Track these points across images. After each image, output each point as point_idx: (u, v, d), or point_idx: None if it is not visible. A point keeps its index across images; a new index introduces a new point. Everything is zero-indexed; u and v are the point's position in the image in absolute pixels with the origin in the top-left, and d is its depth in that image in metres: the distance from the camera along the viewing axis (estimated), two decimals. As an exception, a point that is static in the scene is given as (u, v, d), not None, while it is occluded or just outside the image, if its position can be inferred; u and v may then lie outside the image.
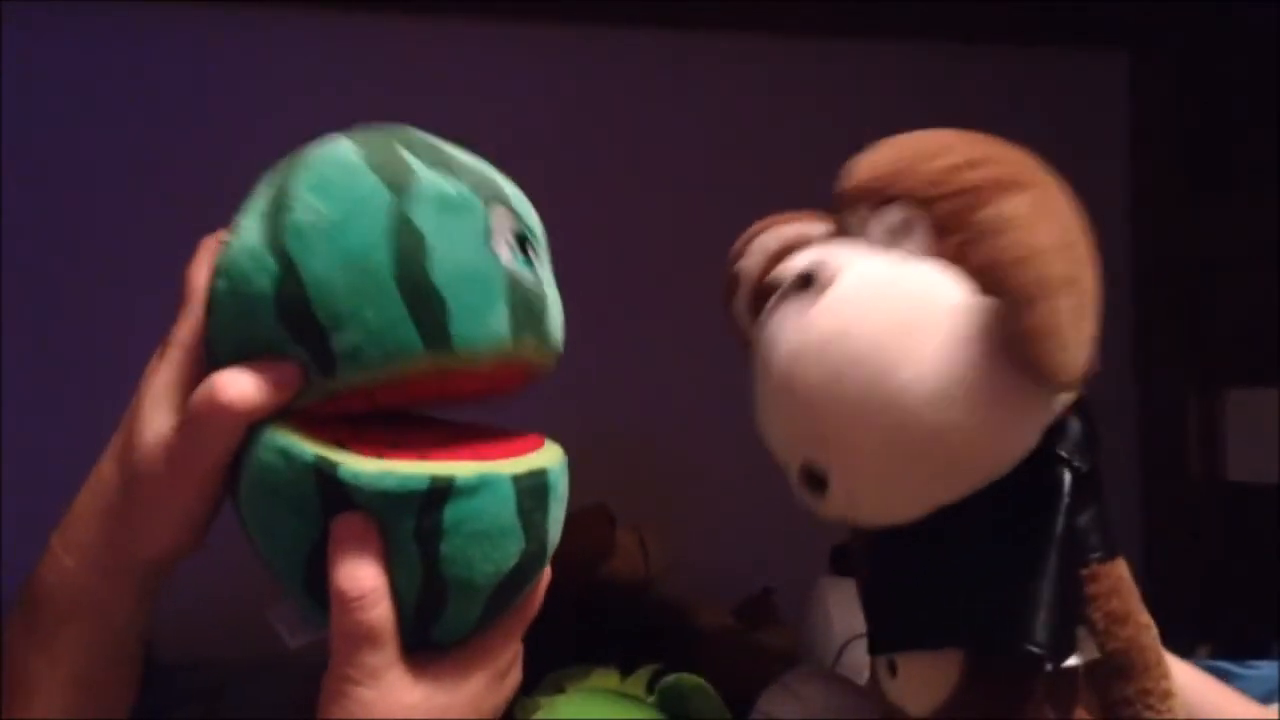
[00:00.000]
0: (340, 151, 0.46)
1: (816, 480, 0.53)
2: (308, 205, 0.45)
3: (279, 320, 0.44)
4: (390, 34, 1.14)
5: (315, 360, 0.44)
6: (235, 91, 1.12)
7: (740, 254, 0.62)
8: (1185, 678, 0.60)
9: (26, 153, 1.05)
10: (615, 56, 1.19)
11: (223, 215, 1.11)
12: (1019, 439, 0.52)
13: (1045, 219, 0.50)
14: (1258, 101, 1.17)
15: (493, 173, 0.49)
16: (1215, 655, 0.90)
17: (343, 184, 0.45)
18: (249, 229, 0.46)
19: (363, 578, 0.44)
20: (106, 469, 0.48)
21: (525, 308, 0.47)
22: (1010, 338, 0.48)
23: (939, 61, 1.23)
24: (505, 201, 0.47)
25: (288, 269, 0.44)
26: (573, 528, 0.51)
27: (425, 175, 0.46)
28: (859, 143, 0.59)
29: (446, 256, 0.44)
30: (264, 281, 0.44)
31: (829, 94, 1.22)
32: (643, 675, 0.75)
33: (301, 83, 1.13)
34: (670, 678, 0.72)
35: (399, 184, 0.45)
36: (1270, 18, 1.13)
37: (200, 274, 0.48)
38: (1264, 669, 0.84)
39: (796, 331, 0.52)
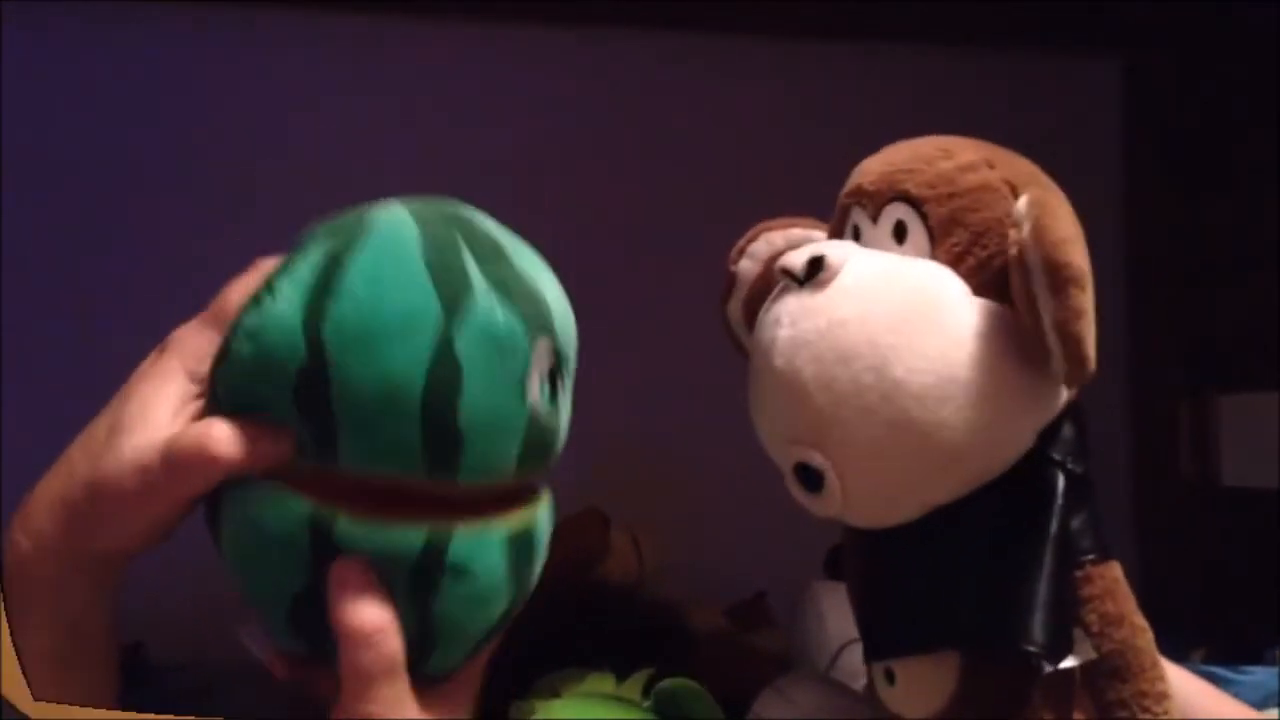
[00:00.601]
0: (402, 238, 0.45)
1: (811, 478, 0.53)
2: (356, 301, 0.43)
3: (293, 401, 0.44)
4: (393, 37, 1.14)
5: (316, 443, 0.44)
6: (238, 93, 1.12)
7: (738, 257, 0.63)
8: (1179, 682, 0.60)
9: (27, 153, 1.05)
10: (617, 59, 1.19)
11: (222, 216, 1.11)
12: (1013, 440, 0.53)
13: (1064, 211, 0.51)
14: (1253, 103, 1.17)
15: (543, 283, 0.48)
16: (1209, 660, 0.90)
17: (397, 286, 0.43)
18: (289, 298, 0.44)
19: (374, 614, 0.44)
20: (76, 459, 0.47)
21: (538, 445, 0.47)
22: (1043, 325, 0.49)
23: (936, 64, 1.24)
24: (549, 330, 0.47)
25: (317, 359, 0.43)
26: (566, 530, 0.51)
27: (480, 295, 0.44)
28: (856, 145, 0.60)
29: (478, 397, 0.44)
30: (290, 361, 0.44)
31: (825, 97, 1.22)
32: (638, 679, 0.75)
33: (303, 84, 1.13)
34: (666, 683, 0.72)
35: (453, 301, 0.44)
36: (1269, 18, 1.13)
37: (235, 293, 0.48)
38: (1258, 674, 0.84)
39: (797, 321, 0.53)
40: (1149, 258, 1.23)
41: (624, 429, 1.13)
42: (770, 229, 0.62)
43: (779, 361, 0.53)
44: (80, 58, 1.09)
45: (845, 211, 0.58)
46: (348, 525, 0.44)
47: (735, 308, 0.63)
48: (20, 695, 0.47)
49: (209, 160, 1.10)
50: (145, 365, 0.49)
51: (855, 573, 0.62)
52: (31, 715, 0.47)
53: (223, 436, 0.44)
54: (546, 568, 0.50)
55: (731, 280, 0.63)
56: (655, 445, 1.16)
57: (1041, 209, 0.50)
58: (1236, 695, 0.71)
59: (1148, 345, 1.23)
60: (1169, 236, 1.25)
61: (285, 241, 0.50)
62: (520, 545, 0.47)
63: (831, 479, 0.53)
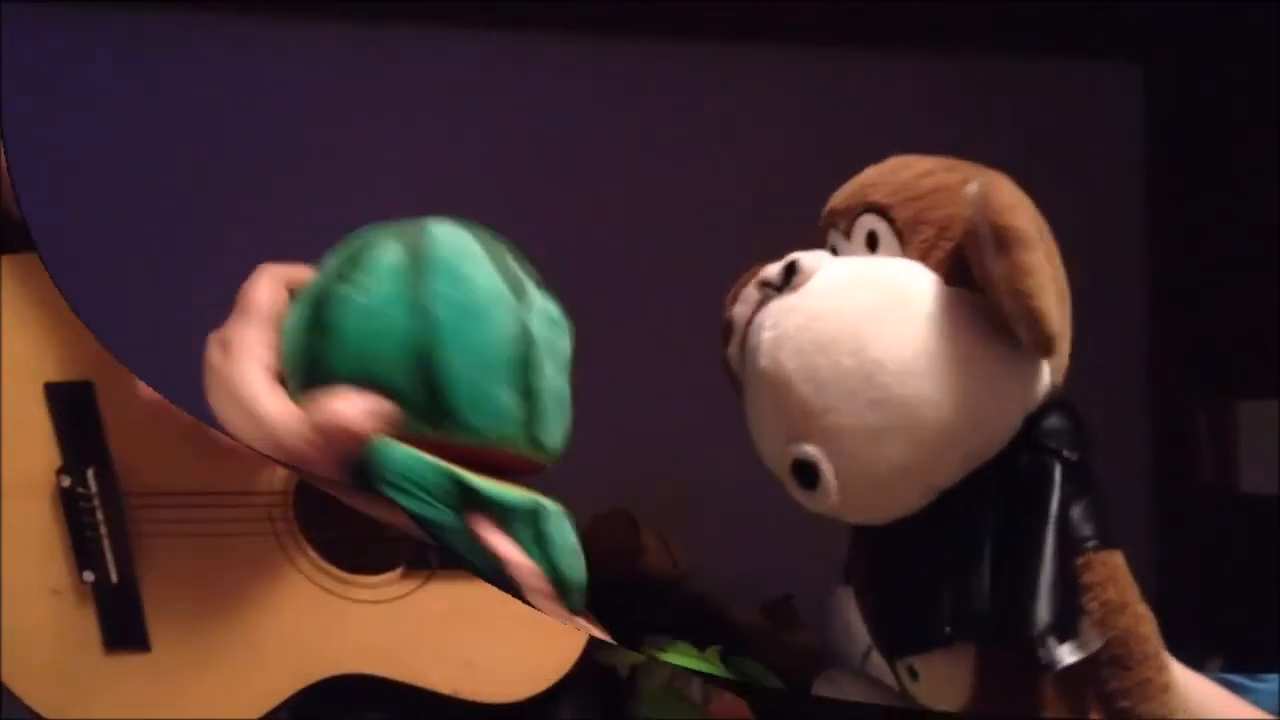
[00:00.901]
0: (466, 237, 0.50)
1: (808, 474, 0.54)
2: (454, 281, 0.49)
3: (406, 373, 0.48)
4: (394, 41, 1.14)
5: (428, 412, 0.48)
6: (239, 95, 1.12)
7: (731, 302, 0.65)
8: (1191, 685, 0.60)
9: (26, 153, 1.05)
10: (618, 66, 1.20)
11: (223, 217, 1.10)
12: (998, 419, 0.54)
13: (1012, 188, 0.53)
14: (1256, 103, 1.18)
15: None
16: (1227, 668, 0.90)
17: (479, 273, 0.49)
18: (385, 280, 0.48)
19: (517, 550, 0.49)
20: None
21: (568, 426, 0.52)
22: (999, 289, 0.51)
23: (956, 68, 1.25)
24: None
25: (430, 336, 0.48)
26: (598, 529, 0.53)
27: (533, 288, 0.51)
28: (874, 152, 0.62)
29: (548, 369, 0.50)
30: (402, 336, 0.48)
31: (844, 102, 1.23)
32: (713, 651, 0.83)
33: (302, 85, 1.13)
34: (735, 658, 0.81)
35: (518, 291, 0.50)
36: (1271, 19, 1.14)
37: (260, 293, 0.50)
38: (1276, 682, 0.83)
39: (778, 322, 0.55)
40: (1167, 264, 1.23)
41: (641, 434, 1.13)
42: (755, 276, 0.64)
43: (764, 361, 0.55)
44: (80, 58, 1.09)
45: (823, 235, 0.61)
46: (480, 482, 0.48)
47: (734, 352, 0.64)
48: (24, 687, 0.49)
49: (209, 161, 1.10)
50: (216, 370, 0.50)
51: (861, 575, 0.63)
52: (45, 715, 0.48)
53: (349, 407, 0.47)
54: (591, 563, 0.52)
55: (728, 325, 0.64)
56: (672, 450, 1.16)
57: (988, 186, 0.52)
58: (1254, 703, 0.71)
59: (1166, 352, 1.24)
60: (1188, 243, 1.25)
61: (286, 243, 0.51)
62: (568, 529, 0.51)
63: (825, 469, 0.53)
